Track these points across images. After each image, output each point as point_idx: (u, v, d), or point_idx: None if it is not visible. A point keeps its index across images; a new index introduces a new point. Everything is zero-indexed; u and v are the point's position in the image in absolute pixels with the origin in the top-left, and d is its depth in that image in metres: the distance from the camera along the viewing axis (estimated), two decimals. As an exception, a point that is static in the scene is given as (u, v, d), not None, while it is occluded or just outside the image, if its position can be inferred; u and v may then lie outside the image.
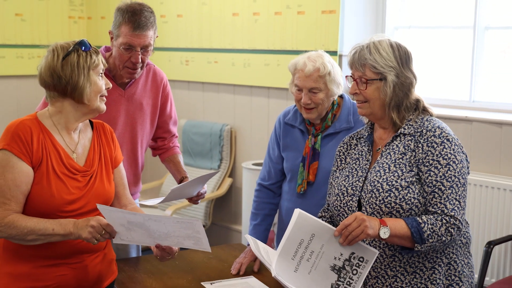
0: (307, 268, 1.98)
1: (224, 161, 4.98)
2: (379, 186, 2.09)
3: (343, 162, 2.31)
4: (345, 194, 2.19)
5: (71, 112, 2.12)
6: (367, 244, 2.08)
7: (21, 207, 2.04)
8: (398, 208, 2.06)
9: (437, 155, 2.07)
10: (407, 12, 4.33)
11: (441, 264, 2.12)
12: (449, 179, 2.05)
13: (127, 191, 2.33)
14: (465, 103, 4.06)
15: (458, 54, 4.14)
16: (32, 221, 2.00)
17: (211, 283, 2.45)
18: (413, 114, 2.18)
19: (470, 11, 3.98)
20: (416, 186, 2.07)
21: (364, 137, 2.28)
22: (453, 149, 2.08)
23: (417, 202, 2.06)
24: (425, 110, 2.21)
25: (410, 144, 2.13)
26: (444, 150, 2.07)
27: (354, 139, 2.33)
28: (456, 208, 2.03)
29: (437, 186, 2.05)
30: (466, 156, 2.16)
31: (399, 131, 2.16)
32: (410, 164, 2.10)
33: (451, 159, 2.07)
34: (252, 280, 2.50)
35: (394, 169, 2.11)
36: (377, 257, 2.11)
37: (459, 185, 2.06)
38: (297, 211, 1.99)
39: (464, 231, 2.17)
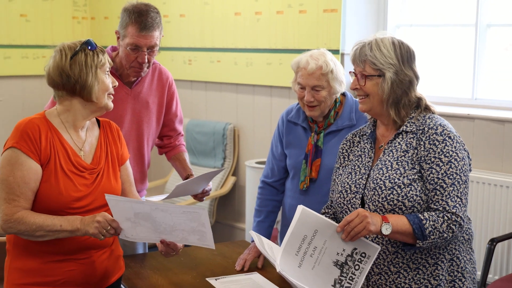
0: (311, 263, 2.01)
1: (228, 159, 5.01)
2: (381, 184, 2.12)
3: (346, 159, 2.33)
4: (348, 192, 2.22)
5: (80, 110, 2.16)
6: (370, 240, 2.10)
7: (30, 204, 2.07)
8: (401, 205, 2.09)
9: (438, 152, 2.10)
10: (409, 10, 4.36)
11: (444, 260, 2.14)
12: (451, 177, 2.07)
13: (134, 188, 2.37)
14: (467, 100, 4.08)
15: (460, 52, 4.16)
16: (41, 217, 2.04)
17: (215, 279, 2.48)
18: (415, 112, 2.20)
19: (472, 8, 4.01)
20: (418, 184, 2.10)
21: (367, 134, 2.31)
22: (455, 147, 2.11)
23: (419, 200, 2.09)
24: (427, 108, 2.23)
25: (412, 142, 2.15)
26: (446, 147, 2.10)
27: (357, 136, 2.35)
28: (457, 205, 2.06)
29: (438, 184, 2.07)
30: (468, 153, 2.19)
31: (401, 129, 2.19)
32: (412, 162, 2.13)
33: (453, 156, 2.09)
34: (256, 276, 2.53)
35: (397, 166, 2.14)
36: (380, 253, 2.14)
37: (460, 182, 2.08)
38: (300, 208, 2.02)
39: (466, 228, 2.20)
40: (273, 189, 2.79)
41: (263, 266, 2.63)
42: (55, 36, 5.83)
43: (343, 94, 2.69)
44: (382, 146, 2.24)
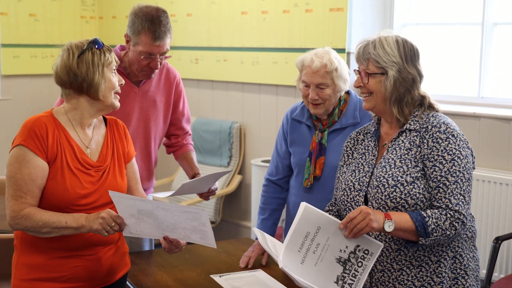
0: (313, 260, 2.03)
1: (234, 158, 5.04)
2: (384, 182, 2.14)
3: (350, 157, 2.35)
4: (352, 189, 2.23)
5: (87, 109, 2.18)
6: (373, 237, 2.12)
7: (37, 201, 2.10)
8: (404, 203, 2.10)
9: (442, 150, 2.11)
10: (415, 9, 4.36)
11: (447, 257, 2.15)
12: (454, 174, 2.08)
13: (140, 186, 2.39)
14: (473, 99, 4.09)
15: (466, 51, 4.17)
16: (47, 214, 2.07)
17: (219, 276, 2.50)
18: (418, 110, 2.21)
19: (478, 7, 4.01)
20: (422, 181, 2.11)
21: (371, 132, 2.33)
22: (458, 145, 2.12)
23: (422, 197, 2.10)
24: (431, 107, 2.24)
25: (415, 140, 2.16)
26: (449, 145, 2.11)
27: (361, 134, 2.37)
28: (460, 202, 2.07)
29: (441, 181, 2.08)
30: (472, 151, 2.20)
31: (404, 127, 2.20)
32: (416, 160, 2.14)
33: (456, 154, 2.10)
34: (259, 273, 2.55)
35: (400, 164, 2.15)
36: (383, 250, 2.16)
37: (463, 180, 2.09)
38: (303, 205, 2.03)
39: (469, 226, 2.21)
40: (278, 187, 2.81)
41: (267, 263, 2.65)
42: (63, 35, 5.87)
43: (347, 92, 2.70)
44: (386, 144, 2.26)
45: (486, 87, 4.04)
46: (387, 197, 2.11)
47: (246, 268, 2.62)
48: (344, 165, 2.35)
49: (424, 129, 2.16)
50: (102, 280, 2.23)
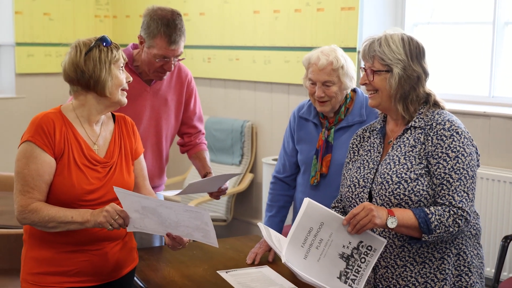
0: (316, 255, 2.04)
1: (245, 156, 5.06)
2: (388, 178, 2.15)
3: (356, 154, 2.36)
4: (357, 186, 2.24)
5: (94, 105, 2.21)
6: (377, 234, 2.13)
7: (44, 196, 2.13)
8: (407, 199, 2.11)
9: (446, 148, 2.11)
10: (426, 8, 4.36)
11: (450, 254, 2.16)
12: (458, 172, 2.09)
13: (147, 182, 2.41)
14: (484, 98, 4.08)
15: (477, 50, 4.15)
16: (54, 209, 2.10)
17: (226, 272, 2.52)
18: (424, 108, 2.22)
19: (489, 6, 4.00)
20: (425, 179, 2.12)
21: (377, 129, 2.34)
22: (462, 142, 2.12)
23: (426, 194, 2.11)
24: (436, 104, 2.25)
25: (420, 137, 2.17)
26: (453, 143, 2.11)
27: (367, 131, 2.38)
28: (464, 200, 2.07)
29: (445, 178, 2.09)
30: (477, 149, 2.20)
31: (409, 124, 2.21)
32: (420, 157, 2.15)
33: (460, 151, 2.11)
34: (266, 270, 2.57)
35: (404, 161, 2.16)
36: (387, 247, 2.17)
37: (467, 178, 2.09)
38: (307, 200, 2.05)
39: (474, 223, 2.21)
40: (285, 185, 2.82)
41: (273, 260, 2.66)
42: (77, 34, 5.93)
43: (354, 90, 2.71)
44: (391, 141, 2.27)
45: (497, 86, 4.03)
46: (391, 193, 2.12)
47: (252, 264, 2.64)
48: (350, 162, 2.36)
49: (428, 126, 2.16)
50: (108, 275, 2.26)
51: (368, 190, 2.21)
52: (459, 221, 2.06)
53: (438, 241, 2.14)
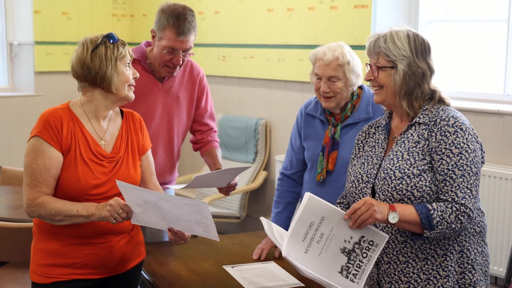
0: (317, 250, 2.05)
1: (259, 154, 5.08)
2: (391, 174, 2.15)
3: (361, 150, 2.37)
4: (360, 181, 2.25)
5: (101, 101, 2.25)
6: (380, 229, 2.14)
7: (52, 190, 2.18)
8: (410, 195, 2.11)
9: (449, 144, 2.11)
10: (441, 6, 4.34)
11: (453, 251, 2.15)
12: (461, 168, 2.08)
13: (154, 177, 2.44)
14: (499, 96, 4.05)
15: (492, 48, 4.13)
16: (60, 203, 2.14)
17: (232, 267, 2.55)
18: (429, 104, 2.22)
19: (504, 4, 3.97)
20: (429, 174, 2.12)
21: (382, 125, 2.34)
22: (466, 138, 2.12)
23: (428, 190, 2.11)
24: (441, 101, 2.25)
25: (424, 133, 2.17)
26: (457, 139, 2.11)
27: (373, 127, 2.39)
28: (467, 196, 2.07)
29: (448, 175, 2.09)
30: (481, 145, 2.19)
31: (414, 120, 2.21)
32: (423, 153, 2.15)
33: (464, 148, 2.10)
34: (272, 265, 2.59)
35: (407, 157, 2.16)
36: (389, 242, 2.17)
37: (471, 174, 2.09)
38: (307, 195, 2.06)
39: (478, 220, 2.20)
40: (292, 181, 2.84)
41: (279, 255, 2.68)
42: (95, 33, 5.87)
43: (360, 87, 2.72)
44: (395, 137, 2.27)
45: (511, 85, 4.00)
46: (394, 189, 2.13)
47: (259, 260, 2.66)
48: (355, 158, 2.37)
49: (432, 123, 2.16)
50: (114, 268, 2.30)
51: (371, 185, 2.22)
52: (462, 218, 2.06)
53: (440, 238, 2.13)
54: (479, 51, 4.22)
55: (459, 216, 2.05)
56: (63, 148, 2.18)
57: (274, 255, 2.69)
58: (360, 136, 2.40)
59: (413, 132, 2.20)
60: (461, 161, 2.09)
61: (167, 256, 2.71)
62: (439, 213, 2.04)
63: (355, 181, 2.27)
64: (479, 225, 2.21)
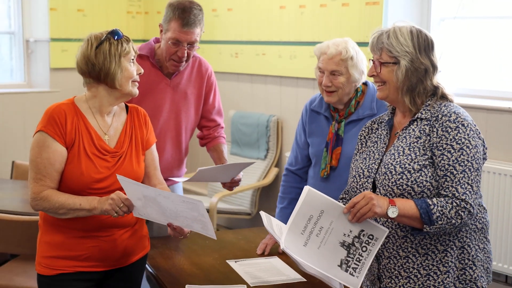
0: (317, 243, 2.06)
1: (271, 151, 5.09)
2: (392, 169, 2.16)
3: (364, 145, 2.37)
4: (361, 176, 2.26)
5: (105, 97, 2.29)
6: (380, 224, 2.14)
7: (56, 184, 2.21)
8: (410, 190, 2.11)
9: (451, 139, 2.11)
10: (453, 2, 4.31)
11: (454, 247, 2.15)
12: (462, 164, 2.08)
13: (158, 172, 2.47)
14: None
15: (504, 45, 4.09)
16: (64, 196, 2.18)
17: (235, 261, 2.57)
18: (431, 100, 2.22)
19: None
20: (429, 170, 2.12)
21: (385, 121, 2.35)
22: (468, 134, 2.11)
23: (429, 185, 2.11)
24: (444, 97, 2.25)
25: (425, 129, 2.17)
26: (458, 134, 2.11)
27: (376, 123, 2.39)
28: (468, 192, 2.07)
29: (449, 170, 2.09)
30: (484, 142, 2.19)
31: (416, 116, 2.21)
32: (424, 148, 2.15)
33: (465, 143, 2.10)
34: (275, 260, 2.60)
35: (408, 152, 2.16)
36: (390, 237, 2.17)
37: (472, 170, 2.09)
38: (307, 188, 2.07)
39: (480, 217, 2.20)
40: (297, 177, 2.85)
41: (283, 251, 2.69)
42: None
43: (365, 84, 2.72)
44: (397, 133, 2.28)
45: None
46: (394, 184, 2.13)
47: (263, 255, 2.67)
48: (358, 153, 2.38)
49: (434, 118, 2.16)
50: (117, 261, 2.33)
51: (372, 180, 2.22)
52: (462, 213, 2.05)
53: (441, 233, 2.13)
54: (492, 48, 4.19)
55: (459, 212, 2.05)
56: (67, 142, 2.21)
57: (278, 250, 2.70)
58: (363, 132, 2.41)
59: (415, 127, 2.20)
60: (462, 156, 2.09)
61: (172, 250, 2.74)
62: (439, 208, 2.04)
63: (357, 176, 2.28)
64: (480, 222, 2.21)
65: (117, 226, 2.30)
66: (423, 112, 2.20)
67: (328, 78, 2.60)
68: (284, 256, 2.64)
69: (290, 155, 2.90)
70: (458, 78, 4.22)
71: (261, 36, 5.15)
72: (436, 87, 2.25)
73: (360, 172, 2.27)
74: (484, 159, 2.19)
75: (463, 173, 2.08)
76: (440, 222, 2.04)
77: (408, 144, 2.18)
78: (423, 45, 2.22)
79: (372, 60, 2.27)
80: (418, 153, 2.15)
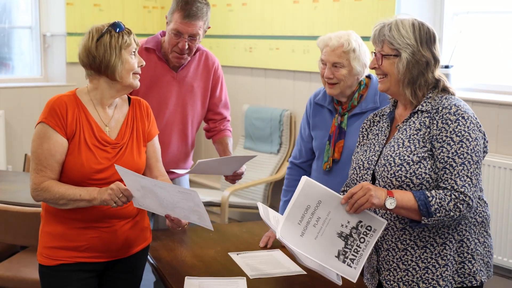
0: (314, 233, 2.05)
1: (284, 145, 5.09)
2: (391, 160, 2.14)
3: (365, 138, 2.37)
4: (361, 168, 2.25)
5: (106, 89, 2.30)
6: (380, 216, 2.13)
7: (57, 175, 2.24)
8: (409, 182, 2.10)
9: (450, 132, 2.09)
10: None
11: (453, 240, 2.13)
12: (461, 156, 2.06)
13: (160, 164, 2.48)
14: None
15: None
16: (64, 187, 2.20)
17: (237, 254, 2.57)
18: (432, 93, 2.21)
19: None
20: (428, 162, 2.10)
21: (386, 114, 2.34)
22: (468, 127, 2.09)
23: (428, 177, 2.09)
24: (445, 90, 2.23)
25: (425, 121, 2.16)
26: (458, 127, 2.09)
27: (378, 116, 2.38)
28: (467, 184, 2.05)
29: (448, 162, 2.07)
30: (484, 135, 2.17)
31: (416, 108, 2.20)
32: (424, 140, 2.13)
33: (465, 136, 2.08)
34: (277, 253, 2.60)
35: (408, 144, 2.15)
36: (388, 229, 2.16)
37: (471, 163, 2.07)
38: (304, 178, 2.06)
39: (480, 210, 2.18)
40: (301, 170, 2.85)
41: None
42: (126, 25, 6.07)
43: (369, 77, 2.71)
44: (398, 125, 2.26)
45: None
46: (393, 175, 2.12)
47: (265, 247, 2.67)
48: (359, 146, 2.37)
49: (435, 110, 2.15)
50: (118, 252, 2.34)
51: (372, 172, 2.21)
52: (461, 206, 2.03)
53: (439, 226, 2.12)
54: (505, 43, 4.13)
55: (458, 204, 2.03)
56: (68, 134, 2.23)
57: (280, 243, 2.70)
58: (365, 124, 2.40)
59: (415, 119, 2.19)
60: (461, 149, 2.07)
61: (176, 242, 2.75)
62: (437, 200, 2.03)
63: (357, 167, 2.27)
64: (481, 215, 2.19)
65: (118, 217, 2.32)
66: (424, 104, 2.18)
67: (330, 70, 2.60)
68: (286, 249, 2.64)
69: (294, 148, 2.90)
70: (470, 73, 4.17)
71: (275, 31, 5.14)
72: (438, 80, 2.23)
73: (360, 164, 2.26)
74: (485, 152, 2.16)
75: (463, 165, 2.06)
76: (438, 215, 2.03)
77: (408, 136, 2.17)
78: (425, 37, 2.20)
79: (374, 52, 2.26)
80: (417, 145, 2.13)
